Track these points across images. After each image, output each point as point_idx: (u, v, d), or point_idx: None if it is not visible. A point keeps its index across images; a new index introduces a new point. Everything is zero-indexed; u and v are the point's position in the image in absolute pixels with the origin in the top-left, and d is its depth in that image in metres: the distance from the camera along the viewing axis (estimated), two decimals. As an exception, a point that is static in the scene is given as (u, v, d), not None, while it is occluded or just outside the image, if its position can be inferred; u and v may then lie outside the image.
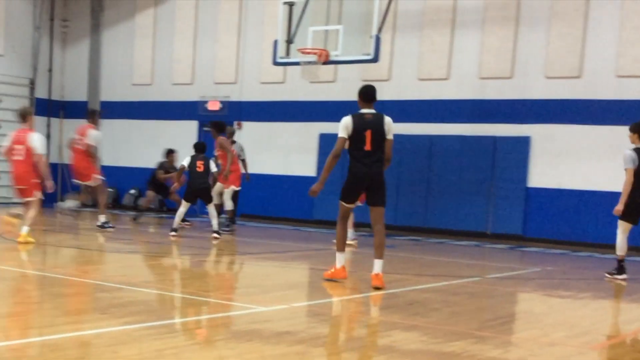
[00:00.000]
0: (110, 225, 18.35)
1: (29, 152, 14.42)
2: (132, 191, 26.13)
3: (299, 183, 23.01)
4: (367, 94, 11.06)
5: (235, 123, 24.06)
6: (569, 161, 19.63)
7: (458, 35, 21.16)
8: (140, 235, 18.35)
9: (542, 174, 20.01)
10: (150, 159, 22.90)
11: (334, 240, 11.76)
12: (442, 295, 10.90)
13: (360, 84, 22.21)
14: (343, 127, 10.82)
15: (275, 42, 19.67)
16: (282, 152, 23.74)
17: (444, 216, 21.03)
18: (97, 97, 27.75)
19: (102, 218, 18.40)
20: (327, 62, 18.80)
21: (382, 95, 22.37)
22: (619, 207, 13.54)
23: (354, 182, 10.97)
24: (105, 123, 26.81)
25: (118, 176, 25.76)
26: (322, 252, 16.70)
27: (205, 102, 25.20)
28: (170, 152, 21.78)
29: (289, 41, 19.50)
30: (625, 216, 13.60)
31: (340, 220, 11.33)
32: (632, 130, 13.81)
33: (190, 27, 25.70)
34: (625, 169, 13.61)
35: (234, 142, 20.00)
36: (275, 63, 20.07)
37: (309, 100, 23.31)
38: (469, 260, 16.04)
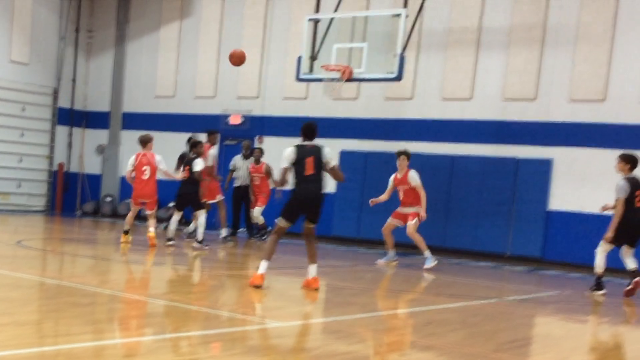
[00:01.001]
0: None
1: (154, 171, 17.27)
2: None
3: (318, 199, 22.99)
4: (307, 130, 12.15)
5: (256, 137, 24.10)
6: (591, 185, 19.53)
7: (482, 56, 21.14)
8: (160, 247, 18.37)
9: (563, 197, 19.93)
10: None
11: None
12: (459, 316, 10.85)
13: (383, 102, 22.52)
14: (286, 157, 11.97)
15: (299, 58, 19.73)
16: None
17: (463, 236, 20.96)
18: (119, 108, 27.88)
19: (223, 232, 20.23)
20: (350, 79, 18.82)
21: (404, 114, 22.47)
22: (609, 235, 14.23)
23: (297, 203, 12.11)
24: (127, 134, 27.02)
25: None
26: (339, 268, 16.70)
27: (228, 115, 25.25)
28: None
29: (313, 57, 19.56)
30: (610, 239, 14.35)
31: (274, 234, 12.35)
32: (626, 160, 14.44)
33: (215, 41, 25.80)
34: (617, 199, 14.22)
35: (247, 156, 20.71)
36: (299, 79, 20.12)
37: (330, 117, 23.30)
38: (487, 281, 15.98)
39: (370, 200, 17.47)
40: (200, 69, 26.06)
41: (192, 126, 25.76)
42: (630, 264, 14.31)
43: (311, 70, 19.63)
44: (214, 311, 9.86)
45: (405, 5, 18.54)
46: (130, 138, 24.90)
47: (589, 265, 19.26)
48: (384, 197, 17.49)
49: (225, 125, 25.04)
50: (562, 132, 19.96)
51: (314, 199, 12.08)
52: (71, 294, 10.17)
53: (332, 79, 18.86)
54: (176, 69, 26.65)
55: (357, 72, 18.69)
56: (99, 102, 28.30)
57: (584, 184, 19.64)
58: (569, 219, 19.81)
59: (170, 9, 26.74)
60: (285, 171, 12.05)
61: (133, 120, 26.96)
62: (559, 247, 19.91)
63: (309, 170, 11.94)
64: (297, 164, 11.98)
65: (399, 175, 17.35)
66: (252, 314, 10.01)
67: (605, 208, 14.81)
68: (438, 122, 21.65)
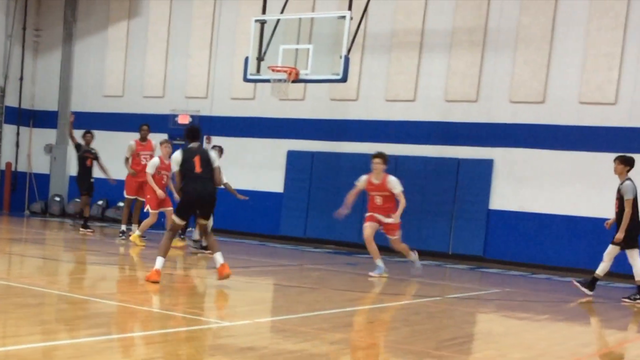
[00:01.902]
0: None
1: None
2: (100, 202, 25.94)
3: (266, 199, 23.05)
4: (191, 133, 12.65)
5: (204, 137, 24.06)
6: (531, 185, 19.82)
7: (425, 58, 21.32)
8: (110, 247, 18.29)
9: (504, 196, 20.19)
10: (120, 171, 22.80)
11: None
12: (402, 314, 10.97)
13: (329, 103, 22.60)
14: (175, 161, 12.40)
15: (246, 59, 19.74)
16: (251, 167, 23.75)
17: (406, 235, 21.06)
18: (67, 107, 27.62)
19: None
20: (296, 80, 18.88)
21: (349, 114, 22.58)
22: (619, 236, 14.03)
23: (189, 201, 12.31)
24: (75, 134, 26.77)
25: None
26: (288, 267, 16.76)
27: (176, 115, 25.17)
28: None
29: (260, 58, 19.59)
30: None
31: (169, 231, 12.54)
32: (625, 162, 14.29)
33: (163, 40, 25.70)
34: (626, 200, 14.04)
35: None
36: (246, 80, 20.13)
37: (278, 117, 23.37)
38: (430, 280, 16.13)
39: (337, 213, 15.68)
40: (149, 68, 25.95)
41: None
42: None
43: (258, 71, 19.67)
44: (163, 311, 9.87)
45: (350, 7, 18.63)
46: (78, 137, 24.68)
47: (529, 264, 19.62)
48: (349, 202, 15.63)
49: (174, 125, 24.98)
50: (502, 133, 20.22)
51: (205, 196, 12.32)
52: (19, 295, 10.11)
53: (279, 80, 18.91)
54: (124, 69, 26.50)
55: (303, 73, 18.76)
56: (47, 101, 28.03)
57: (524, 184, 19.92)
58: (509, 218, 20.09)
59: (118, 8, 26.57)
60: (180, 175, 12.42)
61: (81, 120, 26.76)
62: (499, 246, 20.18)
63: (197, 168, 12.25)
64: (186, 164, 12.29)
65: (374, 180, 15.43)
66: (201, 314, 10.04)
67: (609, 223, 14.61)
68: (382, 123, 21.81)
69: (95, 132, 21.85)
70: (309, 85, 21.90)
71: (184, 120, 24.97)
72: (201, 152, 12.50)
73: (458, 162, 20.60)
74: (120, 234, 19.23)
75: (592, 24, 19.22)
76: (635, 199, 14.11)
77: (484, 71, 20.55)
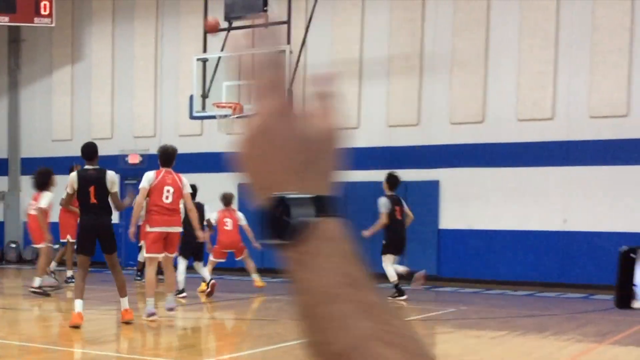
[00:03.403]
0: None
1: (236, 223, 17.11)
2: (57, 246, 25.40)
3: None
4: (86, 151, 12.02)
5: None
6: (477, 203, 19.90)
7: (366, 86, 21.35)
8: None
9: (452, 215, 20.24)
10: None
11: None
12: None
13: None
14: (69, 183, 11.87)
15: (191, 97, 19.63)
16: (205, 202, 23.35)
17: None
18: (17, 154, 27.24)
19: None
20: (241, 115, 18.82)
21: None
22: None
23: (84, 234, 11.77)
24: (27, 180, 26.37)
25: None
26: (244, 300, 16.60)
27: (126, 155, 24.92)
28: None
29: (204, 96, 19.51)
30: None
31: (80, 269, 11.84)
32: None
33: (108, 83, 25.48)
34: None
35: None
36: (192, 117, 20.03)
37: (224, 151, 23.21)
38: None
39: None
40: (95, 110, 25.68)
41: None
42: None
43: (204, 108, 19.57)
44: (120, 355, 9.69)
45: (289, 41, 18.60)
46: (29, 183, 24.33)
47: (481, 280, 19.68)
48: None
49: (125, 165, 24.71)
50: (445, 153, 20.30)
51: (99, 228, 11.60)
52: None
53: (224, 116, 18.83)
54: (72, 112, 26.21)
55: (248, 108, 18.64)
56: (-4, 149, 27.62)
57: (470, 202, 19.99)
58: (459, 236, 20.14)
59: (61, 54, 26.29)
60: (69, 196, 12.15)
61: (32, 165, 26.34)
62: (452, 264, 20.21)
63: (93, 198, 11.57)
64: (81, 192, 11.67)
65: None
66: (164, 355, 9.87)
67: None
68: (328, 150, 21.74)
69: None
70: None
71: (134, 159, 24.74)
72: (98, 179, 11.69)
73: (405, 185, 20.62)
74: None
75: (523, 44, 19.39)
76: None
77: (423, 95, 20.64)
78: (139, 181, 12.85)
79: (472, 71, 19.97)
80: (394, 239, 16.15)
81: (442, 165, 20.32)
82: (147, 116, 24.75)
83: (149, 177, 12.52)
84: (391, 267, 15.95)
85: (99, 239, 11.70)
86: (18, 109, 27.34)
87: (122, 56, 25.26)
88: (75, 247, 12.07)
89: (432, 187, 20.35)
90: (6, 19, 24.72)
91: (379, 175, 20.90)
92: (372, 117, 21.24)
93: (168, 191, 12.47)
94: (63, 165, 25.83)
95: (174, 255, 13.03)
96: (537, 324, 13.55)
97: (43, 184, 16.92)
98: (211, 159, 23.52)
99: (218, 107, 18.85)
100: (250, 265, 17.33)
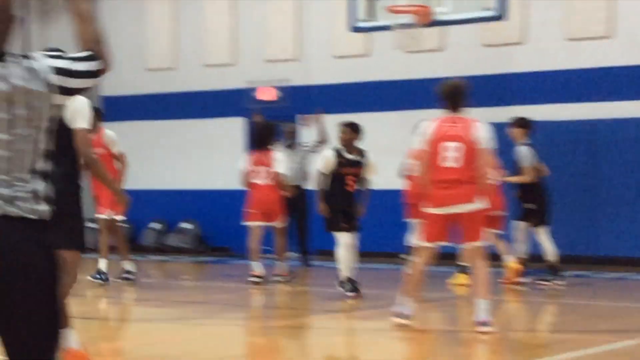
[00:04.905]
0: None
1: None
2: (153, 224, 25.71)
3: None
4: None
5: (303, 117, 22.87)
6: None
7: None
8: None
9: None
10: (178, 178, 22.93)
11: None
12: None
13: (481, 52, 22.38)
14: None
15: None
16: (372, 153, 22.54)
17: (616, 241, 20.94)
18: (94, 91, 28.01)
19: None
20: (430, 23, 18.88)
21: (512, 66, 22.29)
22: None
23: None
24: (109, 127, 27.15)
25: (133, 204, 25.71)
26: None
27: (254, 89, 25.19)
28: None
29: (372, -4, 19.63)
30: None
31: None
32: (520, 125, 17.47)
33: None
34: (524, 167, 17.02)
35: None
36: (355, 29, 20.16)
37: (406, 79, 23.24)
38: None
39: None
40: (210, 25, 25.86)
41: (203, 109, 25.81)
42: None
43: (372, 14, 19.66)
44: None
45: None
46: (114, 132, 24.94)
47: None
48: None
49: (253, 104, 24.81)
50: None
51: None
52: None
53: (404, 25, 18.90)
54: (175, 28, 26.60)
55: (440, 13, 18.72)
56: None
57: None
58: None
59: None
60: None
61: (116, 107, 27.12)
62: None
63: None
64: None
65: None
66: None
67: None
68: (563, 72, 21.57)
69: (137, 124, 22.03)
70: (450, 29, 21.73)
71: (266, 94, 24.95)
72: None
73: None
74: None
75: None
76: None
77: None
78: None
79: None
80: (543, 203, 17.63)
81: None
82: (284, 32, 24.96)
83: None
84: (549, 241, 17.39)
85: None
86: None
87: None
88: None
89: None
90: None
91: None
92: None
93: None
94: (161, 105, 26.54)
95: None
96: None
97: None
98: (384, 90, 23.54)
99: (394, 12, 18.90)
100: None
